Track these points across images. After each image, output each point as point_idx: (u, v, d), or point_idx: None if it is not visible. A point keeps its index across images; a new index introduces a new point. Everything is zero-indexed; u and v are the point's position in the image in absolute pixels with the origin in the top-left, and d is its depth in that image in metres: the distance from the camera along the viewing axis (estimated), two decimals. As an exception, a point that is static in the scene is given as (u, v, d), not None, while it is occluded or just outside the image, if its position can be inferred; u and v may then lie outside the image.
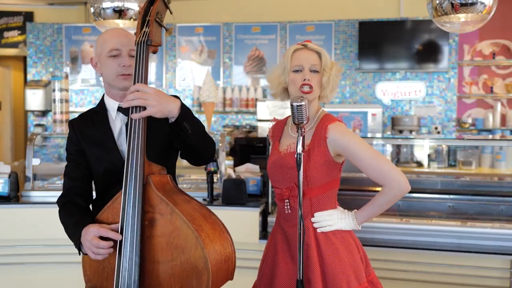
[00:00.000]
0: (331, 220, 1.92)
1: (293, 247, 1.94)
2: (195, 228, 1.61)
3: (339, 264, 1.89)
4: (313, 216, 1.93)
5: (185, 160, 1.94)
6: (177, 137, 1.76)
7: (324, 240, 1.91)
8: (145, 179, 1.68)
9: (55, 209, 1.93)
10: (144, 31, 1.76)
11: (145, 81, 1.72)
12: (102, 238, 1.66)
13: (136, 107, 1.67)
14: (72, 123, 1.95)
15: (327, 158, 1.90)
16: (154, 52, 1.80)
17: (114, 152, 1.87)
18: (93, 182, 1.96)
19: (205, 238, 1.62)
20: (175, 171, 2.02)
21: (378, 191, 1.94)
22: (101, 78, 1.96)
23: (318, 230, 1.92)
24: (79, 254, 1.77)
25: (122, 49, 1.85)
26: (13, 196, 3.26)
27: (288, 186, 1.93)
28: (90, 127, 1.91)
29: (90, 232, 1.66)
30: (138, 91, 1.66)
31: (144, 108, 1.66)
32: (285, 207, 1.95)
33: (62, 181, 1.95)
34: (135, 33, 1.81)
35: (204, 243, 1.60)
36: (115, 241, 1.65)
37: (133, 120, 1.69)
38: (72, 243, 1.79)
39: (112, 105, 1.92)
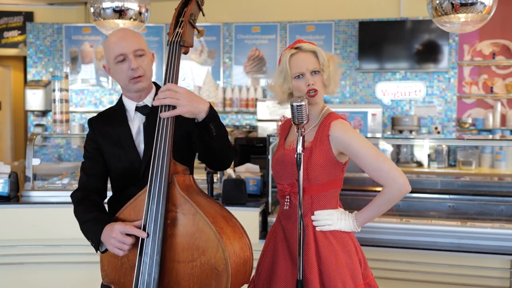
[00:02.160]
0: (331, 219, 1.92)
1: (292, 244, 1.95)
2: (217, 230, 1.63)
3: (335, 264, 1.89)
4: (313, 214, 1.93)
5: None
6: (201, 138, 1.76)
7: (322, 239, 1.92)
8: (170, 178, 1.69)
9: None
10: (178, 32, 1.78)
11: (176, 81, 1.74)
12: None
13: (166, 105, 1.69)
14: (91, 122, 1.98)
15: (329, 156, 1.90)
16: (185, 53, 1.81)
17: (132, 151, 1.89)
18: (109, 180, 1.99)
19: (226, 241, 1.63)
20: (193, 172, 2.02)
21: (379, 191, 1.94)
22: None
23: (317, 229, 1.92)
24: (96, 251, 1.78)
25: (127, 53, 1.84)
26: (13, 196, 3.26)
27: (290, 182, 1.93)
28: (109, 126, 1.94)
29: (116, 229, 1.67)
30: (169, 90, 1.68)
31: (174, 107, 1.68)
32: (285, 203, 1.96)
33: (79, 176, 1.97)
34: (168, 33, 1.81)
35: (225, 245, 1.62)
36: (137, 238, 1.67)
37: (162, 119, 1.71)
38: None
39: (130, 105, 1.94)
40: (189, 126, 1.82)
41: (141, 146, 1.90)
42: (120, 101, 1.99)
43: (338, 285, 1.86)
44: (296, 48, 1.94)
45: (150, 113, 1.91)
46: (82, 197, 1.89)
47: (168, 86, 1.69)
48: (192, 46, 1.83)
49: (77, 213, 1.88)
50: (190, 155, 1.97)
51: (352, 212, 1.98)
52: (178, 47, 1.76)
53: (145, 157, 1.88)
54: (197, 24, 1.85)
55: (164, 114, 1.69)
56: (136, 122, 1.93)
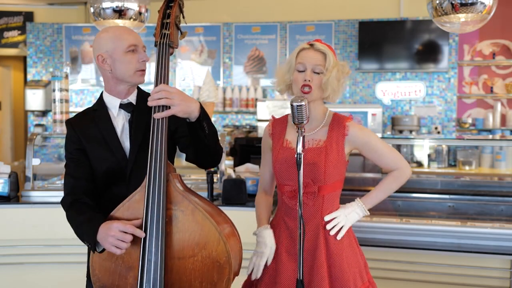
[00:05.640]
0: (341, 221, 1.94)
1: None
2: (216, 224, 1.67)
3: (346, 264, 1.91)
4: (323, 214, 1.94)
5: (185, 160, 1.95)
6: (195, 137, 1.78)
7: (333, 240, 1.93)
8: (167, 176, 1.72)
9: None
10: (165, 33, 1.81)
11: (167, 80, 1.77)
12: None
13: (159, 106, 1.71)
14: (70, 122, 1.94)
15: (342, 156, 1.95)
16: (171, 54, 1.85)
17: (118, 151, 1.87)
18: None
19: (225, 234, 1.69)
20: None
21: None
22: (100, 78, 1.96)
23: (339, 237, 1.94)
24: (93, 252, 1.74)
25: (139, 45, 1.87)
26: (13, 196, 3.26)
27: (304, 181, 1.91)
28: (91, 126, 1.91)
29: (115, 228, 1.65)
30: (163, 90, 1.69)
31: (168, 108, 1.70)
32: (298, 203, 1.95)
33: (63, 181, 1.92)
34: (154, 34, 1.84)
35: (226, 238, 1.67)
36: (137, 238, 1.67)
37: (156, 119, 1.72)
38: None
39: (113, 103, 1.92)
40: (172, 126, 1.83)
41: (126, 143, 1.89)
42: (100, 100, 1.96)
43: (350, 285, 1.89)
44: (310, 44, 1.99)
45: (134, 111, 1.91)
46: (73, 201, 1.84)
47: (161, 87, 1.71)
48: (177, 47, 1.88)
49: (70, 218, 1.83)
50: (172, 154, 1.99)
51: (354, 200, 2.00)
52: (167, 48, 1.80)
53: (131, 156, 1.87)
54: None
55: (158, 115, 1.70)
56: (120, 120, 1.91)
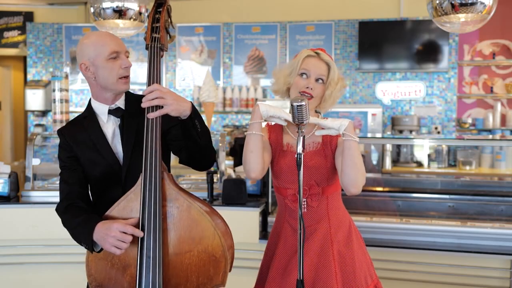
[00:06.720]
0: (331, 123, 1.81)
1: (309, 247, 1.93)
2: (211, 219, 1.72)
3: (358, 262, 1.94)
4: (330, 213, 1.95)
5: (178, 163, 1.96)
6: (188, 135, 1.79)
7: (343, 239, 1.94)
8: (162, 174, 1.74)
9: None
10: (155, 37, 1.84)
11: (159, 82, 1.79)
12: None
13: (152, 106, 1.73)
14: (61, 131, 1.95)
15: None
16: (161, 56, 1.87)
17: (109, 155, 1.88)
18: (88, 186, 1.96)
19: (219, 229, 1.73)
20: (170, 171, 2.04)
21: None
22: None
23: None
24: (91, 252, 1.76)
25: (121, 51, 1.86)
26: (13, 196, 3.26)
27: (308, 184, 1.93)
28: (82, 132, 1.92)
29: (115, 228, 1.66)
30: (156, 90, 1.71)
31: (160, 107, 1.71)
32: (304, 205, 1.96)
33: (59, 188, 1.93)
34: (144, 38, 1.87)
35: (221, 232, 1.71)
36: (133, 237, 1.68)
37: (150, 119, 1.75)
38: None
39: (102, 109, 1.93)
40: (164, 126, 1.84)
41: (118, 148, 1.90)
42: (89, 107, 1.96)
43: (363, 283, 1.91)
44: (316, 53, 1.99)
45: (124, 115, 1.92)
46: (67, 205, 1.86)
47: (154, 86, 1.73)
48: (167, 50, 1.92)
49: (65, 222, 1.85)
50: (166, 155, 1.99)
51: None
52: (158, 51, 1.83)
53: (125, 160, 1.88)
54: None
55: (152, 115, 1.72)
56: (111, 125, 1.92)
